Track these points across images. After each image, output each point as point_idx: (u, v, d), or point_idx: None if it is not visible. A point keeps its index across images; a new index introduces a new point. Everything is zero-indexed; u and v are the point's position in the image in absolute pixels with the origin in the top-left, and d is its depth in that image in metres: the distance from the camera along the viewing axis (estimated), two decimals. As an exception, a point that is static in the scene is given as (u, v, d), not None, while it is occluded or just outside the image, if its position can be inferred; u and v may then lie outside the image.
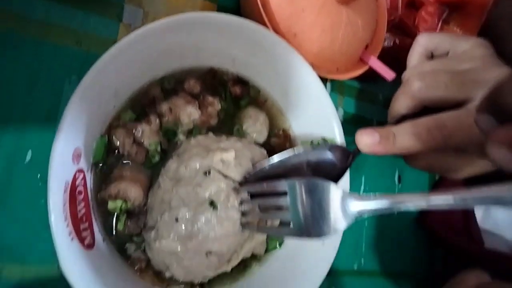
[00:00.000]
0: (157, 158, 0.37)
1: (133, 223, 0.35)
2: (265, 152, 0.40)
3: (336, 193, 0.32)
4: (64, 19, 0.37)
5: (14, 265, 0.33)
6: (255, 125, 0.42)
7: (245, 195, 0.35)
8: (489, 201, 0.25)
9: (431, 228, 0.60)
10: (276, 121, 0.45)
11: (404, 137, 0.33)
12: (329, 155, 0.36)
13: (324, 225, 0.32)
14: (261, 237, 0.39)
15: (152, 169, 0.37)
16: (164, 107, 0.38)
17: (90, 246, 0.31)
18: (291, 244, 0.42)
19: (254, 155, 0.38)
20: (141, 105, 0.38)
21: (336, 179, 0.37)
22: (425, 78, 0.37)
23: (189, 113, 0.38)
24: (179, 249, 0.34)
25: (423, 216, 0.61)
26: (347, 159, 0.37)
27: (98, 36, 0.38)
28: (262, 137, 0.43)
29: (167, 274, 0.36)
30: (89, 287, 0.29)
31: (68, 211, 0.28)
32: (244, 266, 0.41)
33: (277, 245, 0.42)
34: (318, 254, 0.40)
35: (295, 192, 0.32)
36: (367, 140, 0.34)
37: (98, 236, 0.32)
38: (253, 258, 0.41)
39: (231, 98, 0.43)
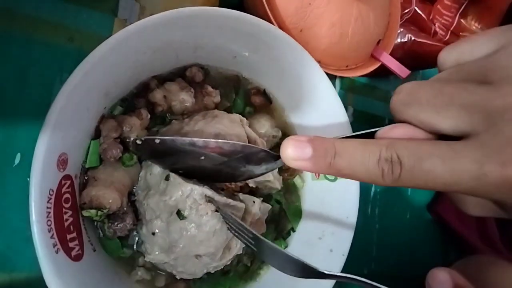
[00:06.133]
0: (135, 159, 0.34)
1: (117, 226, 0.33)
2: (237, 117, 0.37)
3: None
4: (55, 14, 0.35)
5: (2, 274, 0.32)
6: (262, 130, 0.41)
7: (221, 200, 0.33)
8: None
9: (439, 216, 0.59)
10: (279, 123, 0.43)
11: (347, 161, 0.25)
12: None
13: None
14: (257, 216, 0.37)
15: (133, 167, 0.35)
16: (158, 95, 0.35)
17: (79, 257, 0.29)
18: (298, 250, 0.41)
19: (220, 128, 0.35)
20: (130, 96, 0.35)
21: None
22: (402, 90, 0.26)
23: (182, 100, 0.36)
24: (167, 260, 0.33)
25: (433, 203, 0.60)
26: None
27: (92, 32, 0.36)
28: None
29: (178, 277, 0.36)
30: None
31: (53, 221, 0.26)
32: (252, 270, 0.40)
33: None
34: (326, 262, 0.39)
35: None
36: (291, 153, 0.25)
37: (88, 246, 0.30)
38: (261, 262, 0.40)
39: (245, 104, 0.41)
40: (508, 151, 0.22)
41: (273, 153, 0.31)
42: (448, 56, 0.28)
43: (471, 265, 0.39)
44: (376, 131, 0.27)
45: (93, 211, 0.30)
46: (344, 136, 0.28)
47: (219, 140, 0.30)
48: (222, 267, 0.37)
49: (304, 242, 0.41)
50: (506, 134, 0.22)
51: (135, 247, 0.35)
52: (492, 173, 0.22)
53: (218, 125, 0.35)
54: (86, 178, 0.32)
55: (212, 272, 0.36)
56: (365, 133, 0.28)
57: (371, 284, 0.27)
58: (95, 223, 0.33)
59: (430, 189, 0.25)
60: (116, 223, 0.32)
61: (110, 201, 0.30)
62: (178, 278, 0.36)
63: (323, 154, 0.25)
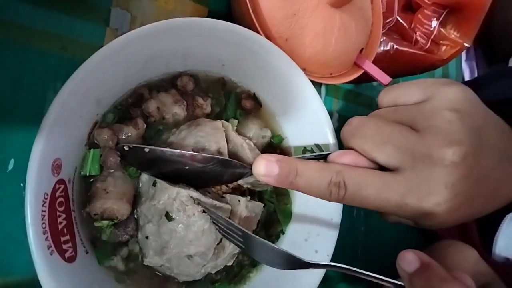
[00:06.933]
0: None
1: (121, 231, 0.34)
2: (219, 124, 0.38)
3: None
4: (49, 24, 0.36)
5: (-5, 278, 0.32)
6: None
7: (208, 202, 0.35)
8: None
9: None
10: (270, 127, 0.44)
11: (305, 181, 0.30)
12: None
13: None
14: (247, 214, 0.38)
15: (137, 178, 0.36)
16: (152, 106, 0.36)
17: (72, 258, 0.30)
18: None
19: (200, 136, 0.37)
20: (125, 104, 0.36)
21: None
22: (351, 123, 0.33)
23: (174, 113, 0.37)
24: (162, 262, 0.34)
25: None
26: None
27: (84, 41, 0.37)
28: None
29: (180, 280, 0.37)
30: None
31: (47, 224, 0.27)
32: (242, 273, 0.41)
33: None
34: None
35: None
36: (262, 170, 0.30)
37: (81, 248, 0.31)
38: (252, 266, 0.41)
39: (236, 108, 0.42)
40: (424, 188, 0.29)
41: (245, 165, 0.34)
42: (386, 97, 0.34)
43: (436, 248, 0.43)
44: (330, 153, 0.33)
45: (105, 222, 0.32)
46: (307, 156, 0.35)
47: (204, 154, 0.34)
48: (222, 267, 0.38)
49: (290, 244, 0.42)
50: (423, 175, 0.29)
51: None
52: (410, 203, 0.30)
53: (199, 133, 0.36)
54: (92, 188, 0.33)
55: (213, 272, 0.37)
56: (322, 154, 0.35)
57: (352, 270, 0.30)
58: (101, 229, 0.34)
59: (364, 207, 0.31)
60: (120, 228, 0.34)
61: (123, 213, 0.32)
62: (181, 281, 0.37)
63: (286, 173, 0.30)
